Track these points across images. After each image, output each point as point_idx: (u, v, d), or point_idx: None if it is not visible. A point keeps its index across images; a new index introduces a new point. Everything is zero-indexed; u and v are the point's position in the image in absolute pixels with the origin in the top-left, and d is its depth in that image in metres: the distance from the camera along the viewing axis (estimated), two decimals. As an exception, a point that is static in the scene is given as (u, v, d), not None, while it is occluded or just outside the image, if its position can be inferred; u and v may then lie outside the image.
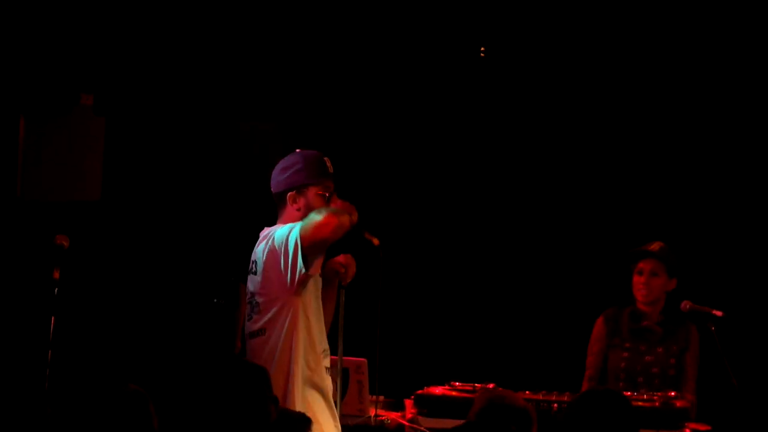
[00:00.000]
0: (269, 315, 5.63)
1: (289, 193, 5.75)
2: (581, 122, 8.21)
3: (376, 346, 5.77)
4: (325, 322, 5.84)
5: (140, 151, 7.87)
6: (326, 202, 5.73)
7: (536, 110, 8.24)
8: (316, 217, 5.56)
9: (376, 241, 5.79)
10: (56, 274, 5.82)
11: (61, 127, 7.59)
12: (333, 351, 5.86)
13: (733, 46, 7.94)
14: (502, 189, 8.36)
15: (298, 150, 5.85)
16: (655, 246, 6.87)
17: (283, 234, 5.62)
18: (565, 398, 6.13)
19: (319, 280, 5.75)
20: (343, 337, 5.84)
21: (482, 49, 8.07)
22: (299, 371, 5.56)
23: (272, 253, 5.62)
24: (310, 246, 5.56)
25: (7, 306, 7.41)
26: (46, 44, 7.54)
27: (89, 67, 7.66)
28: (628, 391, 6.44)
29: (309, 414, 5.40)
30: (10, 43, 7.48)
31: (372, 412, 6.18)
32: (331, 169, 5.78)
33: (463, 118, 8.29)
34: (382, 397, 6.40)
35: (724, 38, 7.93)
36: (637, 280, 6.85)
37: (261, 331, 5.65)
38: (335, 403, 5.76)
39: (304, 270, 5.55)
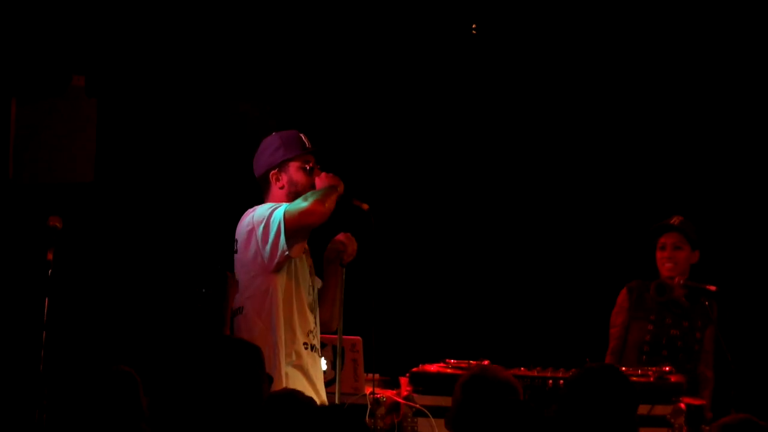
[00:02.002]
0: (248, 293, 5.69)
1: (271, 173, 5.81)
2: (601, 98, 8.21)
3: (371, 323, 5.78)
4: (331, 301, 5.88)
5: (133, 132, 7.86)
6: (308, 174, 5.76)
7: (554, 84, 8.24)
8: (302, 204, 5.59)
9: (365, 207, 5.82)
10: (50, 256, 5.81)
11: (53, 109, 7.57)
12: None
13: (748, 25, 7.96)
14: (501, 168, 8.36)
15: (274, 132, 5.89)
16: (675, 220, 6.88)
17: (264, 213, 5.65)
18: (560, 375, 6.13)
19: (303, 260, 5.76)
20: (342, 315, 5.86)
21: (474, 26, 8.06)
22: (280, 351, 5.59)
23: (252, 231, 5.65)
24: (293, 230, 5.58)
25: (1, 288, 7.40)
26: (37, 26, 7.52)
27: (80, 49, 7.64)
28: (651, 364, 6.43)
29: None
30: (2, 25, 7.46)
31: (367, 390, 6.19)
32: (308, 144, 5.82)
33: (468, 93, 8.29)
34: (377, 375, 6.41)
35: (737, 16, 7.95)
36: (661, 255, 6.86)
37: (239, 310, 5.71)
38: (335, 380, 5.80)
39: (287, 252, 5.57)
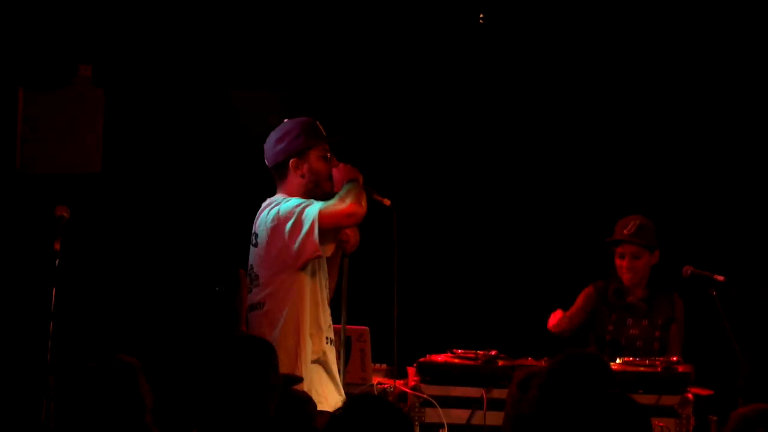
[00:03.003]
0: (270, 289, 5.60)
1: (291, 161, 5.71)
2: (566, 102, 8.22)
3: (384, 312, 5.77)
4: (330, 290, 5.84)
5: (140, 121, 7.85)
6: (327, 163, 5.71)
7: (529, 91, 8.25)
8: (340, 205, 5.52)
9: (387, 202, 5.78)
10: (57, 246, 5.81)
11: (60, 99, 7.57)
12: (336, 320, 5.87)
13: (703, 25, 7.97)
14: (509, 161, 8.35)
15: (286, 120, 5.84)
16: (630, 226, 6.80)
17: (293, 209, 5.56)
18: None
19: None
20: (346, 305, 5.84)
21: (481, 15, 8.04)
22: (306, 347, 5.54)
23: (278, 226, 5.56)
24: (328, 229, 5.53)
25: (8, 278, 7.41)
26: (44, 15, 7.52)
27: (88, 38, 7.63)
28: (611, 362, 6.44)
29: (314, 388, 5.41)
30: (9, 15, 7.46)
31: (374, 380, 6.19)
32: (324, 133, 5.77)
33: (465, 90, 8.28)
34: (384, 365, 6.41)
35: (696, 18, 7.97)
36: (620, 264, 6.84)
37: (260, 305, 5.63)
38: (339, 371, 5.77)
39: (319, 251, 5.52)
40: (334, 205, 5.53)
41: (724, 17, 7.94)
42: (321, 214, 5.49)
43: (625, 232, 6.80)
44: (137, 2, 7.71)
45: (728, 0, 7.93)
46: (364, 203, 5.57)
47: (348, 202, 5.52)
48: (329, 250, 5.60)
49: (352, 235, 5.82)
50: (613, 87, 8.17)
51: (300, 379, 4.94)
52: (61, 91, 7.55)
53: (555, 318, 6.61)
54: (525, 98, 8.28)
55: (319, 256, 5.56)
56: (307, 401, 4.75)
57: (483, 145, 8.33)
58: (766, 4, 7.87)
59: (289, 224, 5.53)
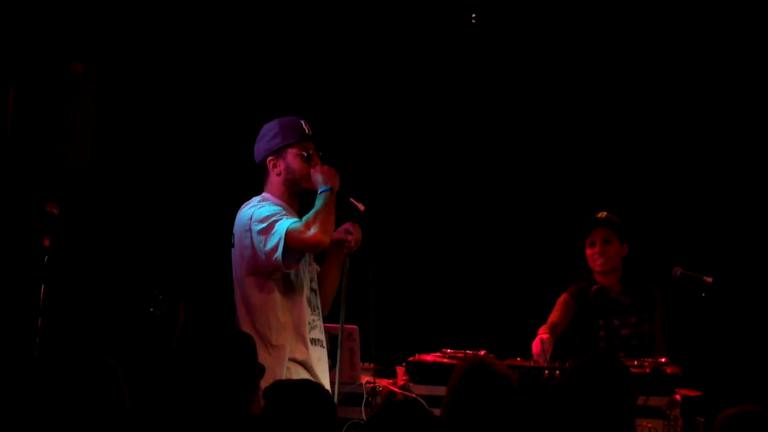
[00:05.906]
0: (243, 287, 5.64)
1: (269, 159, 5.75)
2: (546, 100, 8.24)
3: (368, 314, 5.76)
4: (332, 289, 5.86)
5: (129, 118, 7.85)
6: (306, 162, 5.72)
7: (522, 92, 8.27)
8: (305, 232, 5.50)
9: (361, 207, 5.77)
10: (46, 243, 5.81)
11: (51, 95, 7.56)
12: (335, 319, 5.86)
13: (689, 22, 8.00)
14: (497, 159, 8.36)
15: (275, 119, 5.86)
16: (602, 214, 6.85)
17: (265, 217, 5.57)
18: (556, 366, 6.13)
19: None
20: (345, 305, 5.83)
21: (473, 15, 8.05)
22: (281, 345, 5.56)
23: (249, 231, 5.60)
24: (292, 249, 5.54)
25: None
26: (36, 12, 7.52)
27: (78, 35, 7.63)
28: None
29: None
30: (0, 11, 7.46)
31: (363, 380, 6.18)
32: (309, 131, 5.77)
33: (458, 91, 8.29)
34: (373, 365, 6.40)
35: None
36: (591, 252, 6.83)
37: (236, 303, 5.67)
38: (337, 370, 5.79)
39: (283, 268, 5.54)
40: (300, 230, 5.52)
41: (711, 13, 7.98)
42: (288, 234, 5.50)
43: (597, 217, 6.84)
44: (128, 0, 7.72)
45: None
46: (330, 229, 5.56)
47: (313, 230, 5.51)
48: (293, 266, 5.62)
49: (353, 233, 5.81)
50: (597, 88, 8.19)
51: (262, 368, 4.90)
52: (52, 88, 7.54)
53: (537, 346, 6.52)
54: (521, 100, 8.29)
55: (282, 270, 5.56)
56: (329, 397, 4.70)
57: (473, 147, 8.34)
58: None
59: (259, 233, 5.55)
